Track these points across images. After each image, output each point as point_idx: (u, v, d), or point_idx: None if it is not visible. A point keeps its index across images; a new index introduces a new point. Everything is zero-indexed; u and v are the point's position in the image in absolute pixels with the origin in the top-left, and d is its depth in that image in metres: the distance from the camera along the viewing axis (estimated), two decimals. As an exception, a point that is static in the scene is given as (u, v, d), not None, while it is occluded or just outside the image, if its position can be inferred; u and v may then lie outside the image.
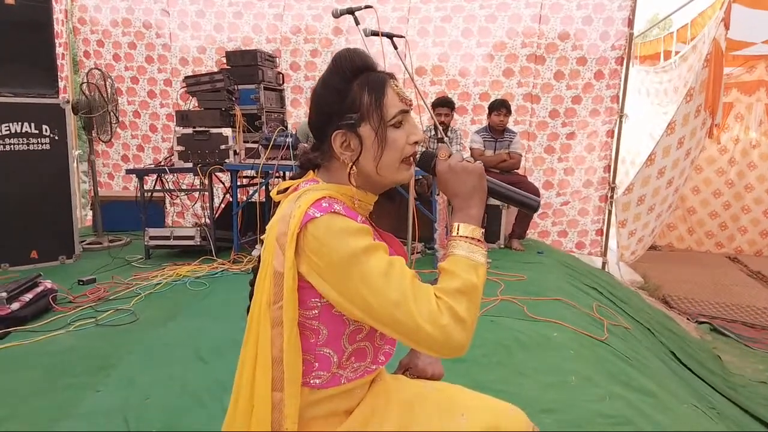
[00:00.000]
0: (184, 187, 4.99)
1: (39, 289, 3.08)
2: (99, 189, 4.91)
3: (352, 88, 1.08)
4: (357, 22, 3.00)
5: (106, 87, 4.48)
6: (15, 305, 2.88)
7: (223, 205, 4.90)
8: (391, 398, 1.14)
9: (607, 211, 5.18)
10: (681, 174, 5.76)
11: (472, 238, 1.02)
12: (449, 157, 1.10)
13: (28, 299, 2.97)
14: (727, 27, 5.22)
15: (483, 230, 1.06)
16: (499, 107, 4.57)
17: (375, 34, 3.08)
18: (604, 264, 5.14)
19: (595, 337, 2.77)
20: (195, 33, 5.74)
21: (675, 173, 5.60)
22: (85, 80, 4.48)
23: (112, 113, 4.56)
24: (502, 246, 4.63)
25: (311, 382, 1.04)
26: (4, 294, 2.86)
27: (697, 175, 8.35)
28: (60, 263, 4.10)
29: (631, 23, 4.89)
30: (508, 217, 4.68)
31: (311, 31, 5.55)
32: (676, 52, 7.13)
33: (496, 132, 4.69)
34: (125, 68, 5.69)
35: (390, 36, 3.14)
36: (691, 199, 8.52)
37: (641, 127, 6.95)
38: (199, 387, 2.10)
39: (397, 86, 1.09)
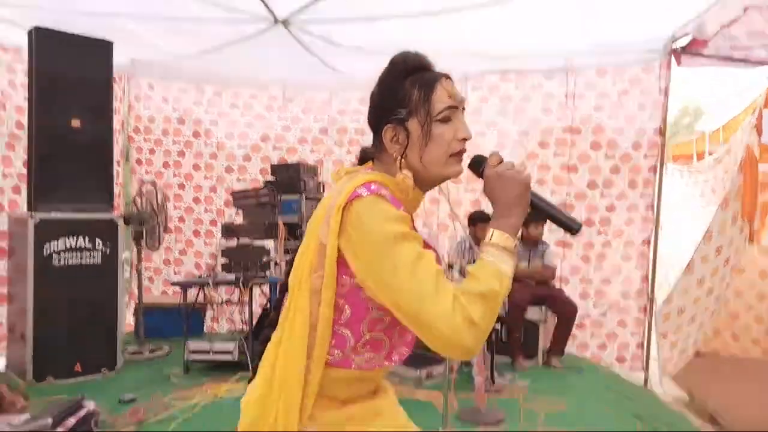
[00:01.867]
0: (224, 294, 5.11)
1: (82, 413, 3.13)
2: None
3: (404, 85, 1.14)
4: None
5: (157, 199, 4.72)
6: (61, 430, 2.94)
7: (260, 310, 4.97)
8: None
9: (647, 323, 5.07)
10: (721, 281, 5.67)
11: (504, 247, 1.04)
12: (500, 163, 1.11)
13: (72, 424, 3.02)
14: (759, 133, 5.27)
15: (517, 242, 1.07)
16: (537, 220, 4.63)
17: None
18: (646, 380, 4.98)
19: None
20: (242, 142, 6.07)
21: (715, 282, 5.50)
22: (139, 193, 4.73)
23: (161, 224, 4.77)
24: (540, 364, 4.55)
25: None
26: (50, 420, 2.93)
27: (739, 277, 8.16)
28: (102, 376, 4.18)
29: (662, 132, 4.98)
30: (546, 332, 4.63)
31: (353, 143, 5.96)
32: (710, 152, 7.21)
33: (531, 243, 4.73)
34: (173, 174, 6.01)
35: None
36: (734, 302, 8.28)
37: (680, 227, 6.92)
38: None
39: (449, 85, 1.14)
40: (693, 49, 4.50)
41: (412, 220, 1.19)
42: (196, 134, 6.04)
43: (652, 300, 5.08)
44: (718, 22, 4.06)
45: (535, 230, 4.67)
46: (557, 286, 4.95)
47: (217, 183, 6.03)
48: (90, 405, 3.24)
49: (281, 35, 4.44)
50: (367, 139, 1.23)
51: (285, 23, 4.26)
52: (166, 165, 6.01)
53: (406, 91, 1.14)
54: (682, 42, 4.49)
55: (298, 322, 1.09)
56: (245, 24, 4.39)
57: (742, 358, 8.21)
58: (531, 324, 4.58)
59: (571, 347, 4.89)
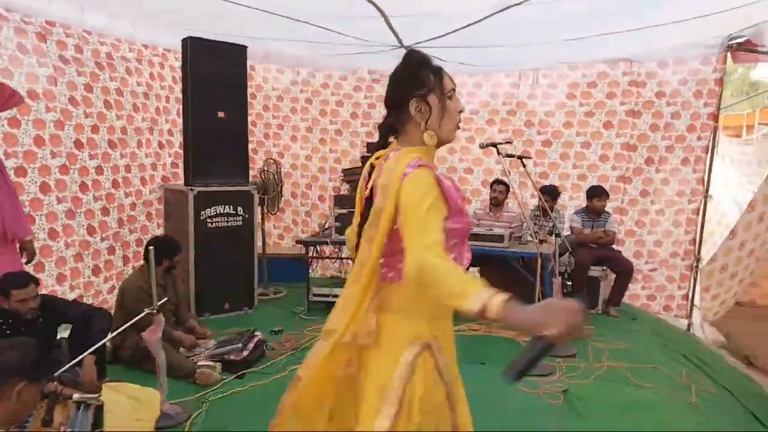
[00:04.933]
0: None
1: (256, 340, 4.18)
2: (267, 248, 6.13)
3: (421, 71, 1.57)
4: (498, 153, 4.02)
5: (278, 172, 5.69)
6: (245, 353, 3.99)
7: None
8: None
9: (692, 279, 5.86)
10: (762, 245, 6.34)
11: (495, 304, 1.20)
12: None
13: (251, 347, 4.07)
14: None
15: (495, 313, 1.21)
16: (601, 194, 5.44)
17: (510, 156, 4.10)
18: (689, 326, 5.80)
19: (686, 401, 3.56)
20: (333, 119, 6.95)
21: (756, 245, 6.19)
22: (265, 165, 5.71)
23: (279, 193, 5.76)
24: (600, 312, 5.45)
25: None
26: (240, 344, 3.99)
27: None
28: (244, 313, 5.26)
29: (716, 118, 5.63)
30: (606, 286, 5.50)
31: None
32: (761, 124, 7.74)
33: (594, 213, 5.54)
34: (300, 148, 6.94)
35: (521, 157, 4.14)
36: (775, 258, 8.90)
37: (729, 191, 7.54)
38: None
39: (448, 74, 1.60)
40: (747, 46, 5.09)
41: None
42: (323, 113, 6.90)
43: (698, 259, 5.84)
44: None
45: (599, 203, 5.47)
46: (616, 248, 5.76)
47: (341, 156, 6.94)
48: (259, 334, 4.29)
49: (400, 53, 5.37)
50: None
51: (408, 48, 5.19)
52: (293, 139, 6.92)
53: (423, 76, 1.57)
54: (739, 40, 5.07)
55: (369, 262, 1.52)
56: (372, 46, 5.37)
57: (778, 309, 8.88)
58: (593, 279, 5.46)
59: (624, 298, 5.73)
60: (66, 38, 4.42)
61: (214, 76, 4.94)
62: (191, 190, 4.91)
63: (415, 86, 1.57)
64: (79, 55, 4.51)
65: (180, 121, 5.61)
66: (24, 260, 3.57)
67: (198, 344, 4.06)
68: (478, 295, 1.22)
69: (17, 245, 3.51)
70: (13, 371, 1.85)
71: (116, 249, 5.03)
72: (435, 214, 1.41)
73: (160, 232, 5.49)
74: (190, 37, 4.85)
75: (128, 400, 2.49)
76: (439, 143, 1.61)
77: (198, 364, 3.71)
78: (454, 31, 4.68)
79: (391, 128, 1.64)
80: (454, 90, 1.60)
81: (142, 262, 5.17)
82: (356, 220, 1.71)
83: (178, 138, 5.74)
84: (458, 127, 1.63)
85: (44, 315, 3.05)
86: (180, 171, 5.73)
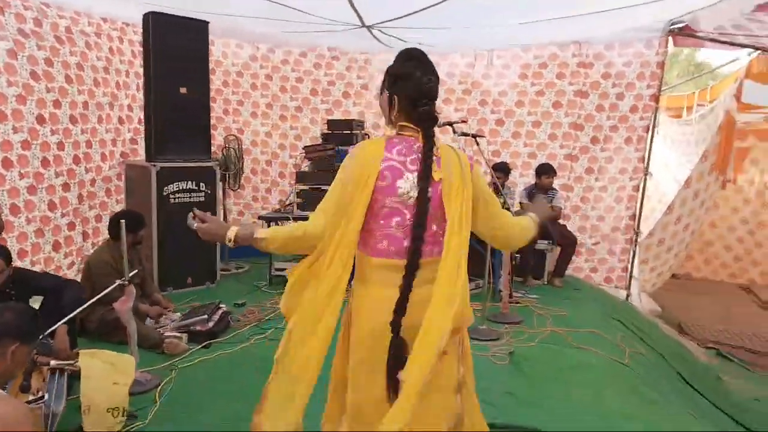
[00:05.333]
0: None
1: (221, 312, 4.34)
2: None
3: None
4: (454, 131, 4.24)
5: (239, 148, 5.78)
6: (211, 324, 4.14)
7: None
8: None
9: (631, 253, 6.28)
10: (696, 220, 6.83)
11: None
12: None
13: (216, 319, 4.23)
14: (738, 101, 6.28)
15: None
16: (549, 171, 5.75)
17: (465, 134, 4.33)
18: (627, 296, 6.24)
19: (620, 361, 3.93)
20: (293, 95, 7.03)
21: (691, 220, 6.67)
22: (225, 144, 5.78)
23: (240, 169, 5.85)
24: (545, 283, 5.81)
25: None
26: (206, 316, 4.14)
27: (715, 212, 9.37)
28: (206, 287, 5.38)
29: (657, 99, 5.99)
30: (551, 258, 5.85)
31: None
32: (699, 105, 8.20)
33: (542, 190, 5.86)
34: (261, 124, 7.01)
35: (475, 136, 4.37)
36: (708, 233, 9.54)
37: (668, 169, 8.00)
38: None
39: None
40: (687, 32, 5.46)
41: None
42: (283, 89, 7.00)
43: (637, 234, 6.26)
44: (709, 21, 5.00)
45: (547, 180, 5.79)
46: (562, 223, 6.12)
47: (302, 132, 7.04)
48: (224, 306, 4.45)
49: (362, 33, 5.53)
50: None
51: (369, 27, 5.37)
52: (254, 115, 6.98)
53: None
54: (679, 25, 5.41)
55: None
56: (336, 25, 5.46)
57: (711, 280, 9.57)
58: (540, 252, 5.81)
59: (569, 270, 6.12)
60: (24, 11, 4.37)
61: (176, 51, 4.97)
62: (154, 166, 4.96)
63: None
64: (39, 29, 4.47)
65: (139, 96, 5.62)
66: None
67: (165, 313, 4.19)
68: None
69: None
70: (8, 332, 1.98)
71: (76, 225, 5.06)
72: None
73: (120, 208, 5.52)
74: (152, 12, 4.85)
75: (104, 364, 2.63)
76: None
77: (165, 335, 3.85)
78: (414, 12, 4.84)
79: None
80: None
81: (102, 237, 5.27)
82: (361, 217, 1.79)
83: (137, 113, 5.75)
84: None
85: (16, 288, 3.14)
86: (139, 147, 5.76)
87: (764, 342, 6.84)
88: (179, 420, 2.89)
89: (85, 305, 3.17)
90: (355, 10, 4.86)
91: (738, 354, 6.26)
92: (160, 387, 3.21)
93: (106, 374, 2.57)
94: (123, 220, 2.97)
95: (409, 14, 4.90)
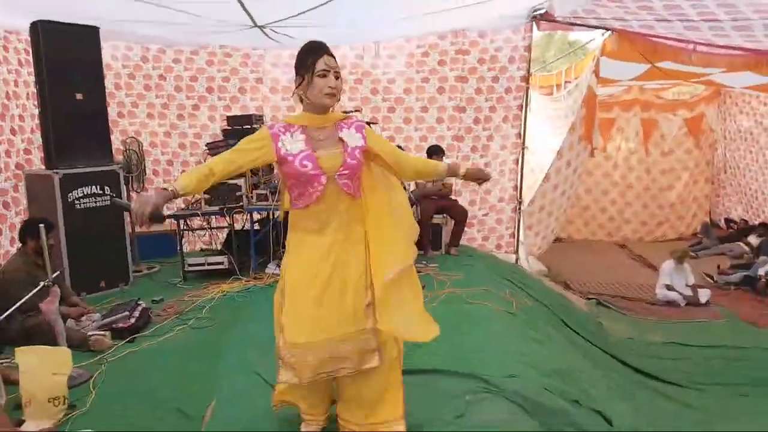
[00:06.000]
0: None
1: (140, 308, 4.50)
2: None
3: (302, 57, 2.30)
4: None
5: (140, 150, 5.86)
6: (132, 320, 4.30)
7: (226, 236, 6.35)
8: None
9: (516, 220, 7.01)
10: (571, 186, 7.69)
11: None
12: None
13: (137, 315, 4.39)
14: (597, 76, 7.12)
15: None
16: (438, 152, 6.30)
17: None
18: (517, 259, 6.97)
19: (509, 311, 4.53)
20: (189, 94, 7.14)
21: (566, 186, 7.50)
22: (126, 147, 5.84)
23: (143, 171, 5.94)
24: (443, 253, 6.39)
25: None
26: (127, 312, 4.30)
27: (589, 179, 10.45)
28: (120, 289, 5.46)
29: (527, 80, 6.71)
30: (447, 231, 6.44)
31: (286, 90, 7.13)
32: (567, 82, 9.10)
33: (435, 169, 6.40)
34: (158, 125, 7.05)
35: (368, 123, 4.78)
36: (585, 198, 10.63)
37: (545, 143, 8.85)
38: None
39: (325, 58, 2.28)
40: (547, 17, 6.17)
41: None
42: (177, 89, 7.07)
43: (520, 202, 6.99)
44: (563, 7, 5.72)
45: (437, 159, 6.33)
46: (453, 198, 6.71)
47: (201, 131, 7.13)
48: (143, 303, 4.61)
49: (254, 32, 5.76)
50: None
51: (261, 27, 5.60)
52: (150, 116, 7.00)
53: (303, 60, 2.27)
54: (541, 11, 6.13)
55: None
56: (228, 26, 5.62)
57: (590, 240, 10.68)
58: (436, 226, 6.37)
59: (463, 240, 6.73)
60: None
61: (68, 58, 4.98)
62: (56, 173, 4.97)
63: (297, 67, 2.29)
64: None
65: (30, 105, 5.56)
66: None
67: (85, 313, 4.30)
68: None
69: None
70: None
71: (-25, 239, 4.98)
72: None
73: (18, 220, 5.46)
74: (40, 21, 4.83)
75: (41, 358, 2.79)
76: (313, 106, 2.29)
77: (88, 334, 3.99)
78: (303, 12, 5.16)
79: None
80: (325, 70, 2.24)
81: (4, 250, 5.22)
82: None
83: (29, 123, 5.67)
84: (329, 96, 2.24)
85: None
86: (33, 156, 5.69)
87: (636, 289, 7.86)
88: (116, 406, 3.09)
89: (5, 313, 3.27)
90: (247, 13, 5.11)
91: (615, 302, 7.17)
92: (93, 379, 3.38)
93: (44, 367, 2.74)
94: (42, 224, 3.11)
95: (300, 14, 5.22)
